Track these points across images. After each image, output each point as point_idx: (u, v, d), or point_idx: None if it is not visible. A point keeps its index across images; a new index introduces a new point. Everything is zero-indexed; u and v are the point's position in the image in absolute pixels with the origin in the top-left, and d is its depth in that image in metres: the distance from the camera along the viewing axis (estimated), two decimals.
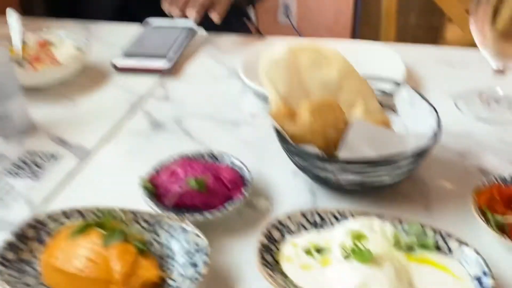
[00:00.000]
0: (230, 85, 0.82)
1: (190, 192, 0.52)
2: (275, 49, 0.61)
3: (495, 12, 0.60)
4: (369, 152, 0.50)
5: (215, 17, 0.90)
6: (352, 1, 2.19)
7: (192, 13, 0.91)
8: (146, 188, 0.54)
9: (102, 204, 0.56)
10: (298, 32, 2.23)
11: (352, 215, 0.48)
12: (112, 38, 0.99)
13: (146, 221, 0.49)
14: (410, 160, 0.49)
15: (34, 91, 0.79)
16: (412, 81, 0.81)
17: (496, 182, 0.52)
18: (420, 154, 0.50)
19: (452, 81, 0.81)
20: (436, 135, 0.52)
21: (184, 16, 0.92)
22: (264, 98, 0.76)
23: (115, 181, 0.60)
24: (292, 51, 0.62)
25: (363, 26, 2.31)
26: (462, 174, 0.59)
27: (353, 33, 2.28)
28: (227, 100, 0.78)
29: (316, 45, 0.63)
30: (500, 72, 0.69)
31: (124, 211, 0.50)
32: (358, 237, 0.43)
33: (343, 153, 0.50)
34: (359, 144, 0.50)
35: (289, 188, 0.58)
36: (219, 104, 0.77)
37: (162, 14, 0.97)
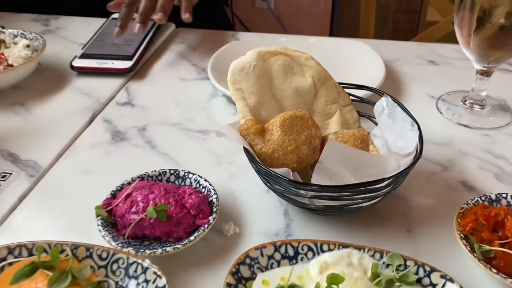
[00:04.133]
0: (200, 87, 0.77)
1: (150, 221, 0.47)
2: (244, 56, 0.55)
3: (480, 19, 0.56)
4: (346, 175, 0.45)
5: (184, 16, 0.79)
6: None
7: (135, 26, 0.77)
8: (101, 217, 0.48)
9: (54, 233, 0.51)
10: (276, 17, 2.17)
11: (329, 247, 0.44)
12: (73, 34, 0.92)
13: (100, 257, 0.44)
14: (390, 183, 0.45)
15: None
16: (392, 81, 0.77)
17: (481, 203, 0.49)
18: (400, 176, 0.46)
19: (434, 81, 0.77)
20: (417, 153, 0.48)
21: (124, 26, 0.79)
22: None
23: (70, 204, 0.55)
24: (262, 57, 0.57)
25: (344, 10, 2.25)
26: (445, 189, 0.56)
27: (333, 17, 2.23)
28: (196, 106, 0.72)
29: (289, 50, 0.58)
30: (484, 74, 0.65)
31: (76, 246, 0.45)
32: (333, 279, 0.39)
33: (317, 176, 0.46)
34: (334, 165, 0.46)
35: (261, 209, 0.53)
36: (187, 111, 0.71)
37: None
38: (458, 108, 0.69)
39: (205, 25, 0.95)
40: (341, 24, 2.29)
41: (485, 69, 0.64)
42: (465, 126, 0.66)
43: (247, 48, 0.58)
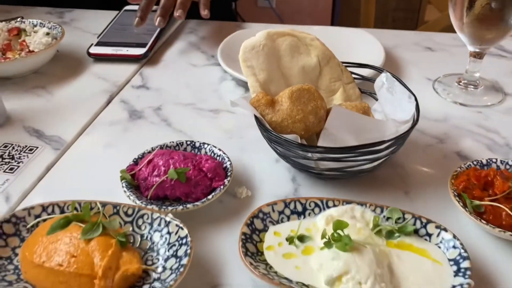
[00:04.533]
0: (210, 72, 0.81)
1: (171, 182, 0.51)
2: (254, 36, 0.60)
3: (470, 1, 0.61)
4: (348, 138, 0.50)
5: (204, 13, 0.83)
6: None
7: (156, 19, 0.82)
8: (125, 180, 0.53)
9: (81, 197, 0.55)
10: (278, 15, 2.22)
11: (334, 203, 0.48)
12: (88, 26, 0.97)
13: (126, 213, 0.49)
14: (389, 146, 0.50)
15: (5, 81, 0.77)
16: (391, 66, 0.81)
17: (473, 166, 0.53)
18: (399, 140, 0.50)
19: (431, 65, 0.82)
20: (414, 120, 0.52)
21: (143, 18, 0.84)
22: (245, 85, 0.76)
23: (94, 173, 0.59)
24: (271, 37, 0.61)
25: (344, 9, 2.30)
26: (440, 158, 0.60)
27: (333, 16, 2.28)
28: (207, 87, 0.77)
29: (295, 31, 0.63)
30: (477, 56, 0.70)
31: (103, 204, 0.49)
32: (339, 225, 0.43)
33: (323, 141, 0.50)
34: (338, 130, 0.50)
35: (270, 176, 0.58)
36: (198, 92, 0.76)
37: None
38: (453, 88, 0.74)
39: (212, 19, 1.00)
40: (341, 23, 2.34)
41: (478, 50, 0.69)
42: (460, 104, 0.71)
43: (253, 36, 0.63)
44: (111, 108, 0.72)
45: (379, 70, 0.61)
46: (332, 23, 2.28)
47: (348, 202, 0.48)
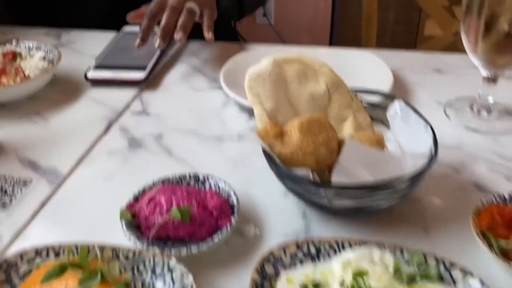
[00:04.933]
0: (212, 96, 0.79)
1: (174, 222, 0.48)
2: (260, 63, 0.57)
3: (487, 25, 0.58)
4: (364, 175, 0.47)
5: (208, 36, 0.80)
6: (331, 0, 2.17)
7: (156, 40, 0.80)
8: (125, 219, 0.49)
9: (78, 236, 0.52)
10: (276, 32, 2.20)
11: (350, 245, 0.45)
12: (85, 47, 0.94)
13: (127, 257, 0.45)
14: (408, 183, 0.47)
15: (0, 108, 0.74)
16: (400, 89, 0.79)
17: (495, 202, 0.50)
18: (419, 176, 0.47)
19: (441, 88, 0.79)
20: (433, 155, 0.49)
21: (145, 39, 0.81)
22: (249, 111, 0.73)
23: (92, 210, 0.56)
24: (278, 64, 0.58)
25: (343, 26, 2.29)
26: (458, 191, 0.57)
27: (332, 32, 2.27)
28: (210, 113, 0.74)
29: (303, 56, 0.60)
30: (491, 81, 0.67)
31: (102, 248, 0.45)
32: (359, 274, 0.40)
33: (337, 177, 0.47)
34: (353, 166, 0.47)
35: (279, 212, 0.55)
36: (201, 118, 0.73)
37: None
38: (465, 113, 0.71)
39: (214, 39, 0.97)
40: (340, 39, 2.33)
41: (492, 75, 0.66)
42: (474, 130, 0.68)
43: (258, 58, 0.60)
44: (110, 136, 0.69)
45: (391, 97, 0.58)
46: (331, 40, 2.27)
47: (365, 242, 0.45)
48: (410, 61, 0.88)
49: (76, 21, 1.01)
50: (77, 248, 0.46)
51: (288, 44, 2.17)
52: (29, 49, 0.82)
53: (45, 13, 1.04)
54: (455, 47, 1.43)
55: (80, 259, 0.43)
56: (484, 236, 0.46)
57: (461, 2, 0.61)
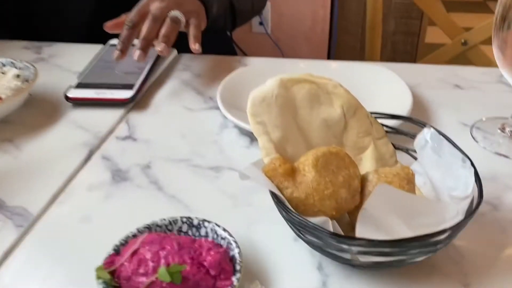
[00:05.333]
0: (208, 118, 0.70)
1: (162, 285, 0.39)
2: (264, 85, 0.49)
3: None
4: (396, 224, 0.38)
5: (194, 47, 0.71)
6: (329, 8, 2.10)
7: (135, 52, 0.71)
8: (103, 279, 0.40)
9: None
10: (274, 41, 2.12)
11: None
12: (68, 63, 0.85)
13: None
14: (451, 234, 0.38)
15: None
16: (418, 108, 0.70)
17: None
18: (462, 225, 0.39)
19: (463, 107, 0.71)
20: (479, 197, 0.41)
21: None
22: (249, 134, 0.64)
23: (65, 260, 0.47)
24: (285, 85, 0.50)
25: (342, 34, 2.22)
26: (499, 233, 0.49)
27: (330, 41, 2.19)
28: (205, 138, 0.65)
29: (314, 77, 0.52)
30: None
31: None
32: None
33: (362, 226, 0.39)
34: (382, 213, 0.38)
35: (289, 262, 0.46)
36: (195, 144, 0.64)
37: None
38: (496, 137, 0.63)
39: (208, 51, 0.89)
40: (339, 48, 2.26)
41: None
42: (505, 156, 0.60)
43: (258, 74, 0.52)
44: (90, 167, 0.60)
45: (420, 124, 0.50)
46: (329, 48, 2.19)
47: None
48: (425, 75, 0.80)
49: (58, 32, 0.93)
50: None
51: (286, 53, 2.10)
52: (1, 65, 0.73)
53: (24, 25, 0.95)
54: (465, 58, 1.35)
55: None
56: None
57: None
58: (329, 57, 2.16)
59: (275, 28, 2.15)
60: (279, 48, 2.12)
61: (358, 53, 2.21)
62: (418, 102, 0.72)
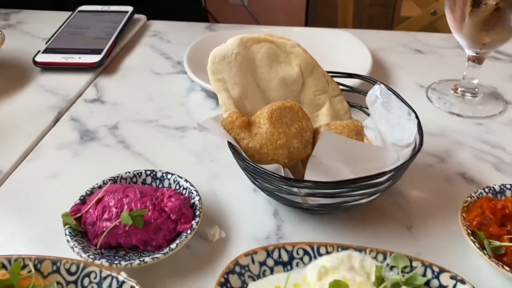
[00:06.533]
0: (175, 82, 0.72)
1: (125, 228, 0.41)
2: (225, 43, 0.51)
3: (474, 1, 0.53)
4: (342, 169, 0.41)
5: None
6: None
7: None
8: (69, 225, 0.43)
9: (17, 245, 0.45)
10: (250, 13, 2.12)
11: (327, 249, 0.39)
12: (37, 29, 0.85)
13: (69, 271, 0.39)
14: (391, 177, 0.41)
15: None
16: (379, 71, 0.73)
17: (486, 195, 0.45)
18: (402, 169, 0.42)
19: (421, 70, 0.74)
20: (419, 145, 0.44)
21: None
22: (215, 97, 0.66)
23: (34, 213, 0.49)
24: (245, 44, 0.52)
25: (319, 4, 2.22)
26: (443, 182, 0.52)
27: (307, 12, 2.20)
28: (172, 100, 0.67)
29: (273, 36, 0.54)
30: (476, 61, 0.62)
31: (41, 260, 0.39)
32: (336, 285, 0.34)
33: (311, 171, 0.42)
34: (329, 160, 0.41)
35: (248, 210, 0.49)
36: (162, 106, 0.66)
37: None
38: (449, 97, 0.66)
39: (178, 19, 0.90)
40: (316, 20, 2.27)
41: (477, 55, 0.61)
42: (457, 115, 0.63)
43: (225, 39, 0.53)
44: (59, 128, 0.62)
45: (371, 81, 0.53)
46: (307, 20, 2.20)
47: (344, 248, 0.40)
48: (389, 41, 0.82)
49: (26, 3, 0.92)
50: (9, 261, 0.39)
51: (262, 25, 2.10)
52: None
53: None
54: (433, 27, 1.38)
55: (10, 276, 0.37)
56: (474, 235, 0.42)
57: None
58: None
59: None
60: (256, 20, 2.12)
61: (335, 25, 2.23)
62: (379, 65, 0.75)
